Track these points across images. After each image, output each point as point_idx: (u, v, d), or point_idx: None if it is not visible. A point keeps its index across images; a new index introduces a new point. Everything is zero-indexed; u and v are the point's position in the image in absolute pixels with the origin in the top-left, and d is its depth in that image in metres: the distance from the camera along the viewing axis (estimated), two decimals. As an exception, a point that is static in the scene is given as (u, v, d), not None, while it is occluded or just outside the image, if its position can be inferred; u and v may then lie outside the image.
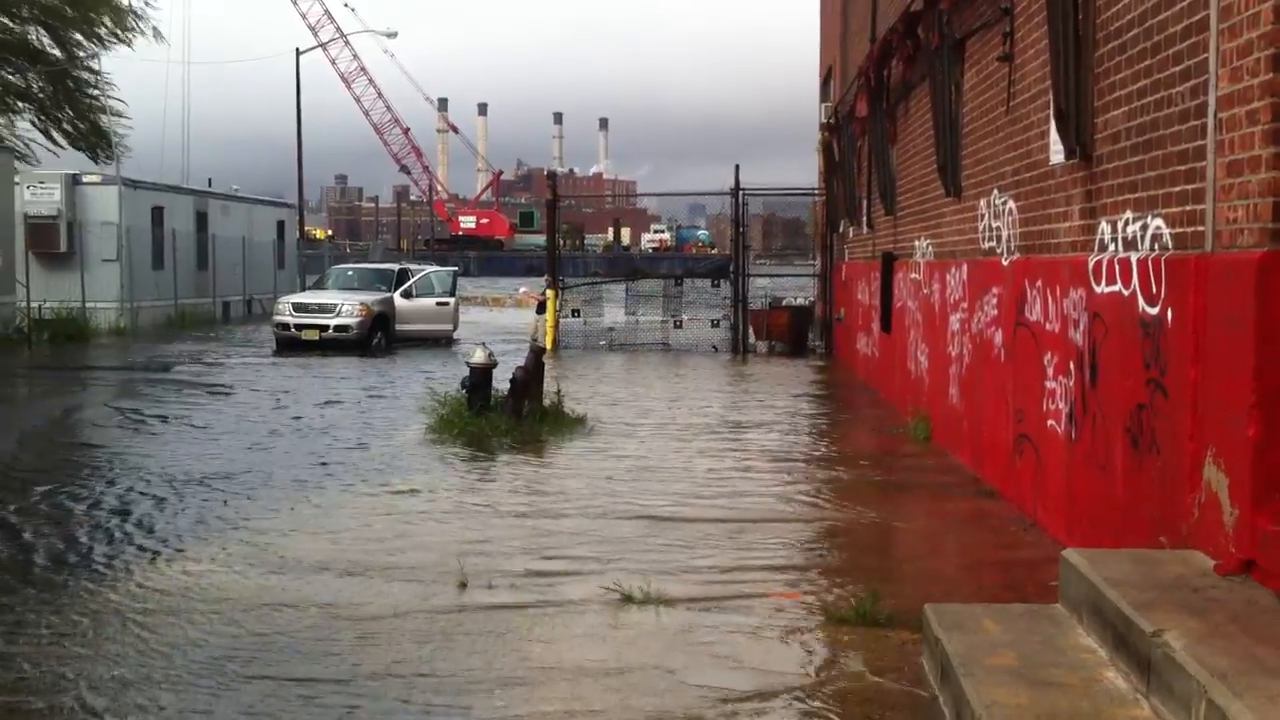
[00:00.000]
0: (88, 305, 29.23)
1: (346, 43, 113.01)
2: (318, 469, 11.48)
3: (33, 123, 33.86)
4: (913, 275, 14.99)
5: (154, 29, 35.41)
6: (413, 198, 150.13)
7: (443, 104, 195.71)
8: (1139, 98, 6.97)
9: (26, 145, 33.69)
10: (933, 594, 6.89)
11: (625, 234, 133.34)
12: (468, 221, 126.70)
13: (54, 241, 29.95)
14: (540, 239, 75.72)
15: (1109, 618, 5.17)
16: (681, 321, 27.33)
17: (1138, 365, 6.77)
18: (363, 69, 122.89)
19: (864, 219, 20.33)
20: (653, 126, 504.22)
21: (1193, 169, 6.19)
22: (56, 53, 34.10)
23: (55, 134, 34.13)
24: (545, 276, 27.39)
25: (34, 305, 26.72)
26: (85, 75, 34.60)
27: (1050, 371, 8.64)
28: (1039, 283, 9.00)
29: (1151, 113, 6.77)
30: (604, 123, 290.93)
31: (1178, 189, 6.40)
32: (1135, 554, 5.99)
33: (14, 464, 11.81)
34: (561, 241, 29.79)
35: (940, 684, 5.54)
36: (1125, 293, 7.01)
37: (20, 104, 33.42)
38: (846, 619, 6.65)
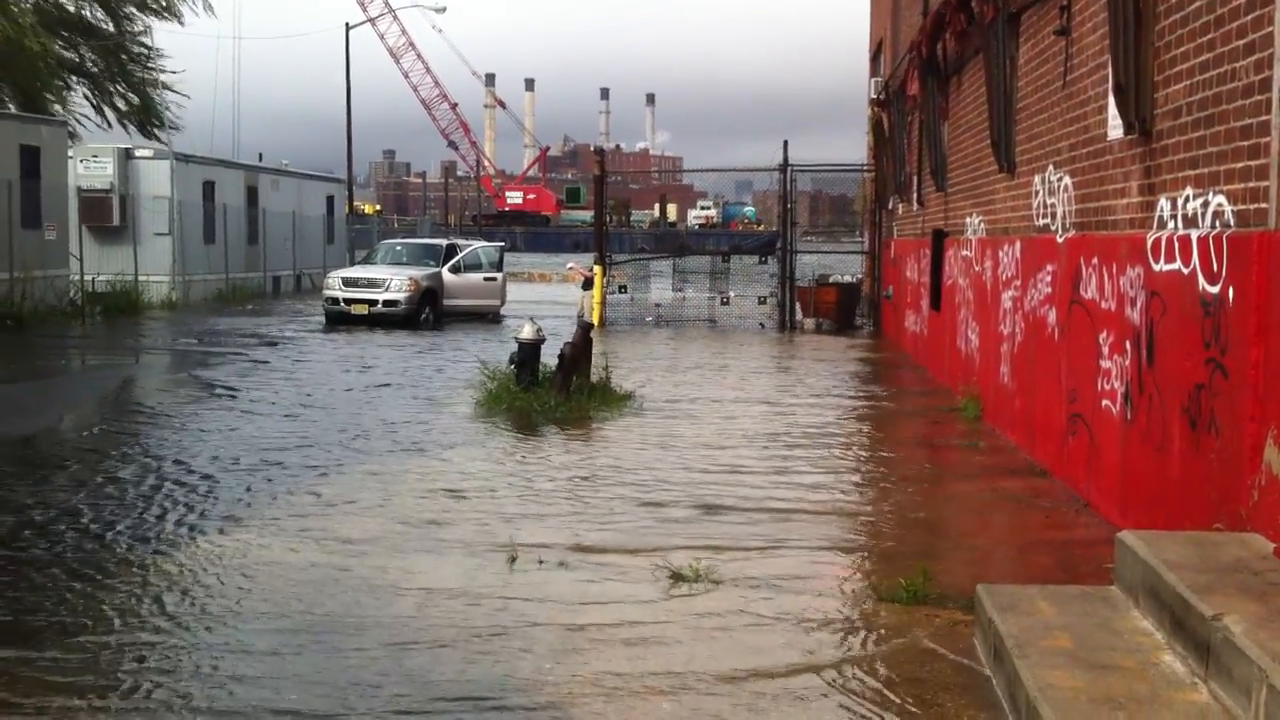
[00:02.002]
0: (140, 279, 29.55)
1: (395, 17, 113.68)
2: (368, 444, 11.54)
3: (86, 97, 34.12)
4: (964, 252, 14.84)
5: (205, 2, 35.66)
6: (460, 173, 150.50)
7: (490, 79, 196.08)
8: (1201, 71, 6.84)
9: (79, 120, 33.96)
10: (984, 574, 6.85)
11: (671, 210, 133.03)
12: (514, 197, 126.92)
13: (107, 215, 30.25)
14: (586, 215, 75.76)
15: (1166, 600, 5.11)
16: (728, 298, 27.24)
17: (1197, 345, 6.66)
18: (411, 44, 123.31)
19: (914, 195, 20.16)
20: (700, 102, 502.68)
21: (1256, 144, 6.07)
22: (109, 26, 34.32)
23: (107, 110, 34.39)
24: (593, 253, 27.35)
25: (87, 278, 27.00)
26: (137, 49, 34.82)
27: (1105, 350, 8.53)
28: (1095, 260, 8.88)
29: (1214, 87, 6.64)
30: (650, 98, 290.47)
31: (1240, 165, 6.27)
32: (1193, 536, 5.91)
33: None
34: (608, 217, 29.72)
35: (993, 665, 5.49)
36: (1185, 271, 6.89)
37: (74, 78, 33.67)
38: (897, 598, 6.60)
